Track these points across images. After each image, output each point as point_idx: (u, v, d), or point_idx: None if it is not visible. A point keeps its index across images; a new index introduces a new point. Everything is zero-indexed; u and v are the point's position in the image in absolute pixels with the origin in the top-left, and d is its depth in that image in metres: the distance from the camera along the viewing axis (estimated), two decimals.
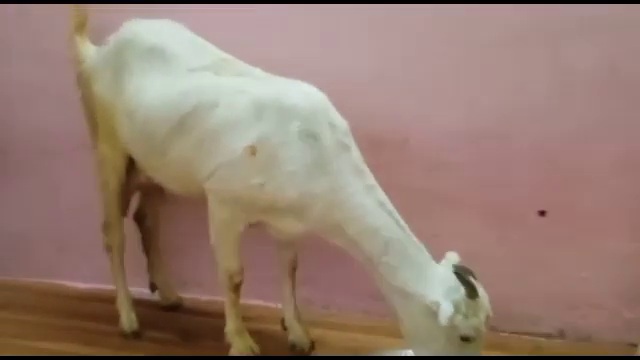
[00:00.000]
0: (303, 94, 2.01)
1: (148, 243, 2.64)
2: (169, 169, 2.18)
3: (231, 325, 2.22)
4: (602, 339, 2.40)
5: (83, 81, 2.39)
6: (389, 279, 1.91)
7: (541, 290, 2.44)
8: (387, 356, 1.93)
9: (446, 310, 1.76)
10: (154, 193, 2.54)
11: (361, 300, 2.60)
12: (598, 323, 2.41)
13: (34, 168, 2.90)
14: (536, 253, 2.42)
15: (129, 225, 2.60)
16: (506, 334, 2.45)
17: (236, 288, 2.16)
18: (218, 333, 2.26)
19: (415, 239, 1.93)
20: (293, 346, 2.32)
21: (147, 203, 2.61)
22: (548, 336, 2.45)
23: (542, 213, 2.39)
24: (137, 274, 2.65)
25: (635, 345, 2.18)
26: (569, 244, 2.39)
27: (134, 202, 2.61)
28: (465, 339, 1.81)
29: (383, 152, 2.37)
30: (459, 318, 1.79)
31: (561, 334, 2.45)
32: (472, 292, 1.80)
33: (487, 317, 1.83)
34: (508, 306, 2.42)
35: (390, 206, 1.95)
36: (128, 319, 2.46)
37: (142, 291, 2.69)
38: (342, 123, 2.01)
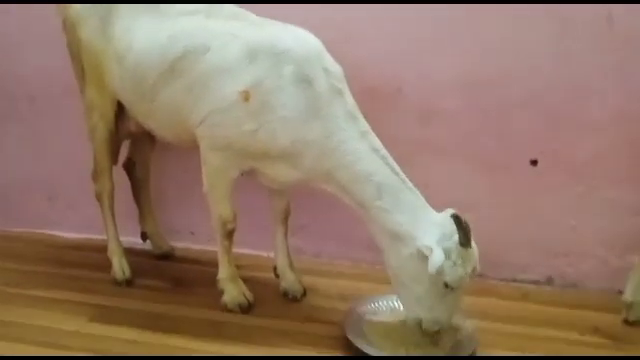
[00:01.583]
0: (297, 39, 1.97)
1: (139, 192, 2.62)
2: (159, 115, 2.14)
3: (224, 272, 2.23)
4: (589, 286, 2.45)
5: (69, 26, 2.32)
6: (382, 223, 1.92)
7: (530, 238, 2.47)
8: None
9: (437, 259, 1.78)
10: (144, 141, 2.51)
11: (352, 249, 2.63)
12: (586, 270, 2.45)
13: (20, 115, 2.84)
14: (526, 202, 2.44)
15: (121, 174, 2.59)
16: (495, 281, 2.49)
17: (229, 235, 2.17)
18: (210, 281, 2.28)
19: (410, 184, 1.94)
20: (285, 293, 2.35)
21: (137, 151, 2.58)
22: (536, 283, 2.50)
23: (534, 162, 2.40)
24: (129, 223, 2.65)
25: (621, 292, 2.22)
26: (559, 193, 2.40)
27: (124, 151, 2.58)
28: (447, 286, 1.84)
29: (376, 101, 2.35)
30: (448, 264, 1.81)
31: (549, 281, 2.49)
32: (466, 240, 1.81)
33: (474, 270, 1.86)
34: (497, 254, 2.46)
35: (384, 152, 1.94)
36: (120, 267, 2.45)
37: (134, 240, 2.70)
38: (336, 68, 1.98)
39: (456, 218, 1.82)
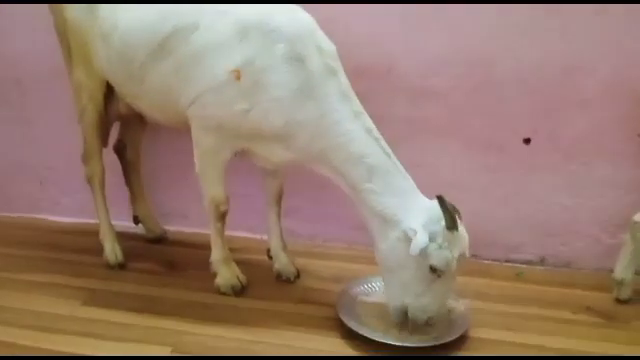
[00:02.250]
0: (289, 16, 1.93)
1: (130, 175, 2.60)
2: (149, 96, 2.12)
3: (217, 254, 2.22)
4: (582, 266, 2.46)
5: (55, 6, 2.29)
6: (371, 205, 1.91)
7: (523, 218, 2.47)
8: None
9: (420, 241, 1.77)
10: (135, 123, 2.49)
11: (345, 231, 2.62)
12: (579, 250, 2.46)
13: (7, 98, 2.80)
14: (519, 181, 2.44)
15: (112, 157, 2.56)
16: (488, 261, 2.50)
17: (222, 217, 2.15)
18: (203, 263, 2.27)
19: (401, 167, 1.92)
20: (279, 275, 2.34)
21: (127, 133, 2.55)
22: (529, 263, 2.50)
23: (527, 141, 2.39)
24: (121, 207, 2.64)
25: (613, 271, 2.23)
26: (552, 172, 2.40)
27: (115, 133, 2.55)
28: (434, 270, 1.82)
29: (367, 80, 2.33)
30: (433, 247, 1.79)
31: (542, 261, 2.50)
32: (452, 223, 1.79)
33: (462, 255, 1.84)
34: (490, 234, 2.47)
35: (377, 133, 1.92)
36: (112, 251, 2.44)
37: (126, 224, 2.68)
38: (330, 46, 1.95)
39: (441, 200, 1.81)
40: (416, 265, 1.83)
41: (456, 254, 1.81)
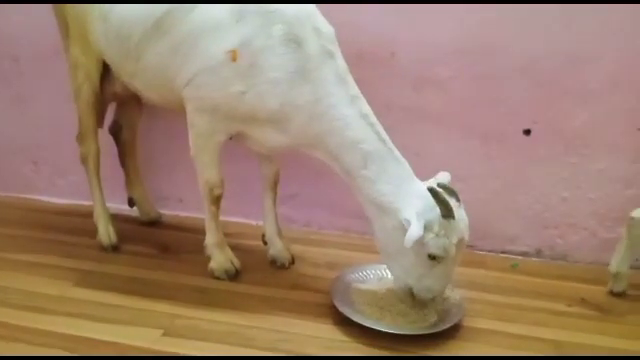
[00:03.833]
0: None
1: (125, 157, 2.58)
2: (145, 75, 2.09)
3: (211, 238, 2.21)
4: (578, 258, 2.45)
5: None
6: (366, 192, 1.89)
7: (521, 209, 2.46)
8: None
9: (413, 233, 1.74)
10: (131, 104, 2.46)
11: (341, 218, 2.61)
12: (575, 243, 2.45)
13: (2, 76, 2.77)
14: (518, 172, 2.42)
15: (107, 138, 2.54)
16: (484, 252, 2.49)
17: (216, 200, 2.13)
18: (198, 248, 2.26)
19: (397, 153, 1.90)
20: (273, 261, 2.33)
21: (124, 115, 2.53)
22: (525, 254, 2.49)
23: (527, 132, 2.37)
24: (116, 189, 2.62)
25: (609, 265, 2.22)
26: (551, 164, 2.38)
27: (111, 114, 2.53)
28: (433, 258, 1.82)
29: (369, 66, 2.31)
30: (430, 236, 1.78)
31: (538, 253, 2.49)
32: (447, 212, 1.78)
33: (461, 240, 1.82)
34: (487, 225, 2.46)
35: (373, 118, 1.90)
36: (106, 232, 2.42)
37: (121, 207, 2.67)
38: (328, 29, 1.92)
39: (433, 192, 1.79)
40: (414, 253, 1.82)
41: (454, 240, 1.80)
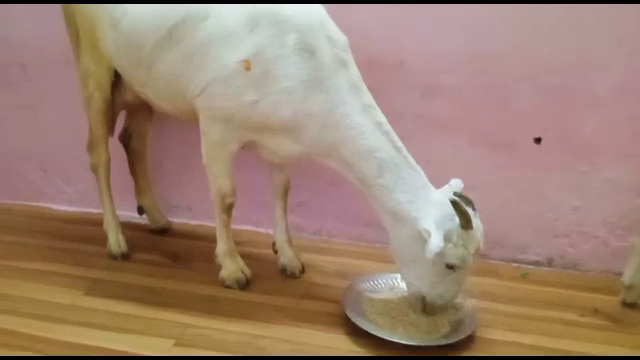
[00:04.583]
0: (300, 6, 1.90)
1: (135, 165, 2.58)
2: (157, 84, 2.09)
3: (222, 246, 2.20)
4: (589, 267, 2.44)
5: None
6: (383, 201, 1.89)
7: (532, 218, 2.45)
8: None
9: (434, 244, 1.74)
10: (141, 112, 2.46)
11: (351, 227, 2.60)
12: (586, 252, 2.43)
13: (11, 84, 2.78)
14: (529, 181, 2.41)
15: (117, 146, 2.54)
16: (495, 261, 2.48)
17: (228, 209, 2.13)
18: (208, 256, 2.26)
19: (412, 161, 1.90)
20: (284, 269, 2.32)
21: (134, 123, 2.53)
22: (536, 264, 2.47)
23: (537, 140, 2.36)
24: (125, 197, 2.61)
25: (621, 274, 2.20)
26: (563, 172, 2.37)
27: (120, 122, 2.52)
28: (450, 267, 1.83)
29: (378, 73, 2.30)
30: (448, 246, 1.78)
31: (549, 262, 2.47)
32: (466, 223, 1.78)
33: (477, 250, 1.83)
34: (498, 233, 2.44)
35: (387, 126, 1.90)
36: (116, 241, 2.42)
37: (130, 215, 2.66)
38: (341, 37, 1.92)
39: (455, 204, 1.79)
40: (431, 262, 1.82)
41: (472, 250, 1.80)
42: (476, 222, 1.82)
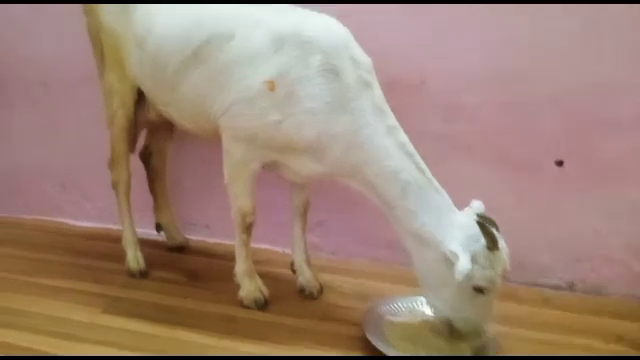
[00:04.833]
0: (324, 27, 1.91)
1: (154, 182, 2.58)
2: (181, 104, 2.10)
3: (241, 266, 2.19)
4: (611, 292, 2.39)
5: (89, 8, 2.29)
6: (406, 223, 1.87)
7: (553, 241, 2.42)
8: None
9: (463, 266, 1.72)
10: (162, 130, 2.47)
11: (369, 247, 2.58)
12: (608, 276, 2.39)
13: (33, 101, 2.80)
14: (550, 204, 2.38)
15: (136, 163, 2.54)
16: (515, 285, 2.43)
17: (248, 228, 2.12)
18: (226, 275, 2.24)
19: (436, 183, 1.88)
20: (302, 289, 2.30)
21: (154, 140, 2.54)
22: (557, 288, 2.44)
23: (560, 163, 2.34)
24: (143, 214, 2.61)
25: None
26: (584, 195, 2.34)
27: (141, 139, 2.53)
28: (479, 290, 1.80)
29: (398, 94, 2.27)
30: (475, 268, 1.76)
31: (570, 286, 2.43)
32: (493, 244, 1.76)
33: (504, 271, 1.80)
34: (519, 256, 2.37)
35: (411, 148, 1.89)
36: (134, 258, 2.41)
37: (148, 231, 2.66)
38: (365, 59, 1.92)
39: (481, 225, 1.77)
40: (458, 285, 1.79)
41: (499, 271, 1.78)
42: (501, 243, 1.80)
